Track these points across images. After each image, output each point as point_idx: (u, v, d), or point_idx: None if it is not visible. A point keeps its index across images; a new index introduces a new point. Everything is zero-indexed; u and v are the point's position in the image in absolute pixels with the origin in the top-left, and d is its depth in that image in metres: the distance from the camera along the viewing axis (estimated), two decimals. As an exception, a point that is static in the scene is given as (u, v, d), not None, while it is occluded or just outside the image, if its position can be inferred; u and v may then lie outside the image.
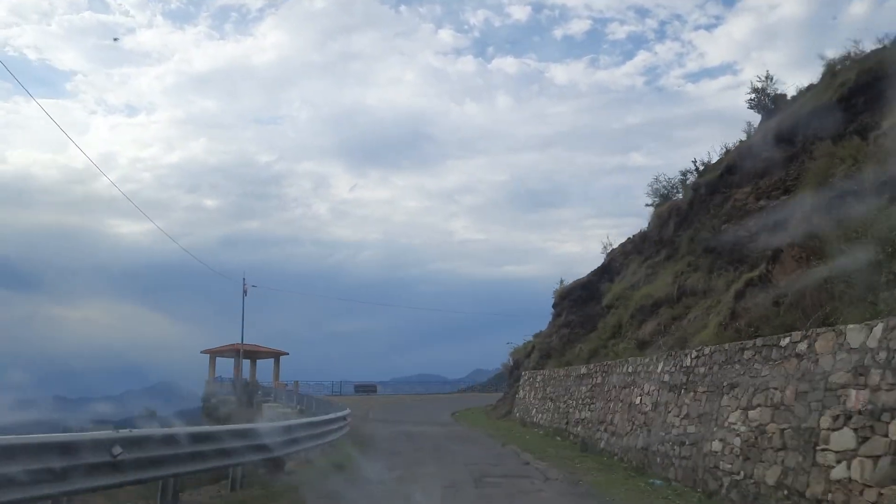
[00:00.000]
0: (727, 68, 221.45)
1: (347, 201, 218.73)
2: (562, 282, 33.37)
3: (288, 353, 52.09)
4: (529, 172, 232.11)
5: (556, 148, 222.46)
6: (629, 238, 30.92)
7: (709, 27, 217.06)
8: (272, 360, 52.26)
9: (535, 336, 33.75)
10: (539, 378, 25.93)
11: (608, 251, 32.40)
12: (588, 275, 31.61)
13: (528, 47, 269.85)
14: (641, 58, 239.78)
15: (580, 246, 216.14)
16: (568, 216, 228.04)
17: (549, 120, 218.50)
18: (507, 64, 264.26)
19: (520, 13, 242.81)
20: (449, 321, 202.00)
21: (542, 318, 34.77)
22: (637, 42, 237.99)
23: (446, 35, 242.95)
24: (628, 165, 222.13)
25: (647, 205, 32.27)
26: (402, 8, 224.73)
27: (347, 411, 18.41)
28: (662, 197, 31.24)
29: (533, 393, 26.25)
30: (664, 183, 31.50)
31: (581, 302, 30.65)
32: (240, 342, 51.59)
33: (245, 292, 40.54)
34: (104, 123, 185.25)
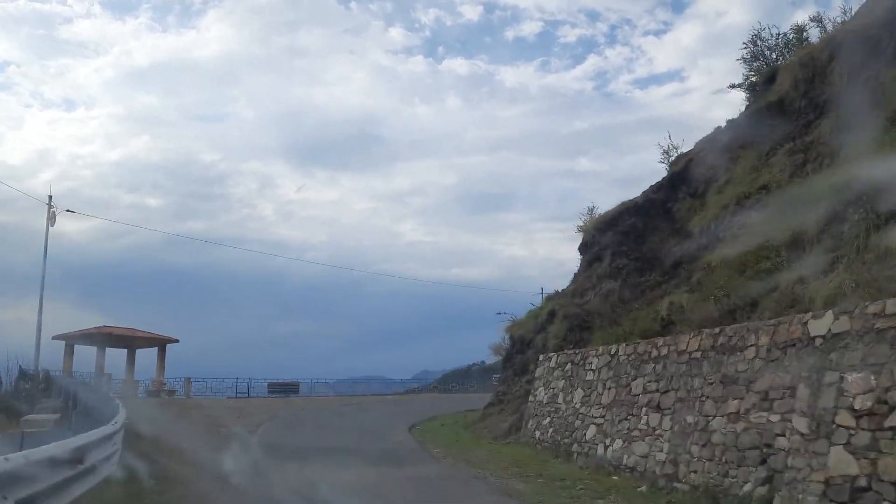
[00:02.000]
0: (675, 75, 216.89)
1: (294, 202, 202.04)
2: (591, 210, 20.46)
3: (178, 341, 37.32)
4: (478, 175, 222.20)
5: (504, 151, 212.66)
6: (719, 127, 18.38)
7: (658, 33, 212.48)
8: (157, 350, 37.42)
9: (551, 298, 20.60)
10: (595, 362, 12.82)
11: (672, 157, 19.78)
12: (645, 193, 18.79)
13: (480, 48, 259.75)
14: (591, 62, 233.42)
15: (526, 249, 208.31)
16: (515, 220, 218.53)
17: (498, 123, 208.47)
18: (458, 65, 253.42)
19: (471, 13, 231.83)
20: (395, 323, 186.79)
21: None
22: (588, 46, 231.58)
23: (397, 33, 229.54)
24: (575, 170, 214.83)
25: (731, 86, 20.05)
26: (352, 4, 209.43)
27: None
28: (757, 71, 18.99)
29: (579, 394, 13.15)
30: (767, 43, 19.30)
31: (636, 236, 17.83)
32: (105, 325, 36.88)
33: (53, 219, 25.89)
34: (41, 118, 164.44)
